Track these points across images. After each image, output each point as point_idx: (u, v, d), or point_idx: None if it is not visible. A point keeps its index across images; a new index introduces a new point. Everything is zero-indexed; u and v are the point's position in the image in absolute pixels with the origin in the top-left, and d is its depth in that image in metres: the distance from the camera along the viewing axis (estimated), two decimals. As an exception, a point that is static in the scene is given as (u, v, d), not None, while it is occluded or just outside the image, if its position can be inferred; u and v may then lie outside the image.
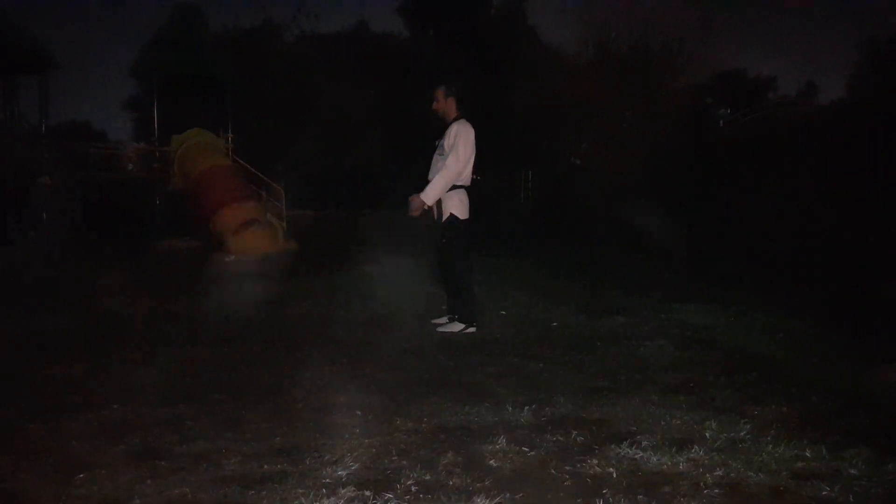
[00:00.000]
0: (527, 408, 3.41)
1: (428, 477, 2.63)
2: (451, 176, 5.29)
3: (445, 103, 5.47)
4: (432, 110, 5.53)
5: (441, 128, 5.52)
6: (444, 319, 5.63)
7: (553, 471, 2.69)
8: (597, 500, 2.44)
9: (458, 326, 5.42)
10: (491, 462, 2.77)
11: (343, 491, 2.50)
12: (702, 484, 2.56)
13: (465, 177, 5.41)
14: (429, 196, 5.32)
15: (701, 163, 15.89)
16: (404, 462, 2.76)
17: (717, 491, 2.51)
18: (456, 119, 5.43)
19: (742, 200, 12.57)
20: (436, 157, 5.50)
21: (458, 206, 5.40)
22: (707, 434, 3.05)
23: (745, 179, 13.40)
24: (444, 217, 5.40)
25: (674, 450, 2.84)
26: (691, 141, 17.55)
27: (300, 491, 2.51)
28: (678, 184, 15.20)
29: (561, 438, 3.02)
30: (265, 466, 2.73)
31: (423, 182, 5.49)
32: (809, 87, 31.63)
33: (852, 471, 2.67)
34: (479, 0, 28.49)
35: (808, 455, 2.81)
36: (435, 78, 5.99)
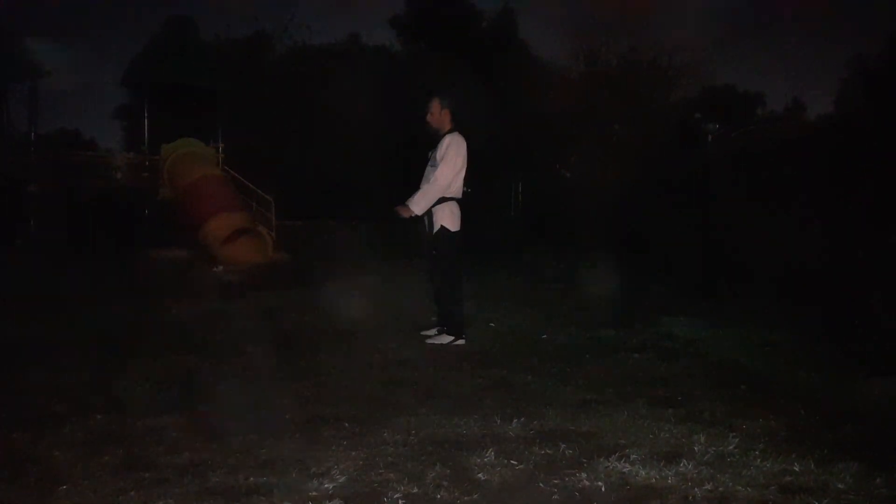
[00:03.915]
0: (515, 420, 3.40)
1: (415, 490, 2.61)
2: (438, 187, 5.30)
3: (440, 115, 5.47)
4: (426, 122, 5.52)
5: (434, 139, 5.53)
6: (433, 331, 5.61)
7: (541, 484, 2.67)
8: (585, 514, 2.43)
9: (446, 339, 5.41)
10: (479, 475, 2.75)
11: (329, 504, 2.48)
12: (690, 498, 2.55)
13: (456, 189, 5.41)
14: (415, 204, 5.33)
15: (689, 176, 15.97)
16: (391, 475, 2.74)
17: (705, 505, 2.50)
18: (449, 131, 5.44)
19: (730, 214, 12.64)
20: (428, 168, 5.50)
21: (448, 218, 5.40)
22: (695, 447, 3.04)
23: (733, 194, 13.47)
24: (435, 229, 5.40)
25: (662, 463, 2.83)
26: (679, 155, 17.65)
27: (286, 504, 2.49)
28: (666, 197, 15.27)
29: (549, 451, 3.00)
30: (251, 479, 2.70)
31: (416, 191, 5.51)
32: (797, 104, 31.94)
33: (840, 485, 2.67)
34: (470, 13, 28.63)
35: (796, 469, 2.81)
36: (429, 89, 6.00)
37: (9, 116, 17.37)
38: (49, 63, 16.66)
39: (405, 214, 5.34)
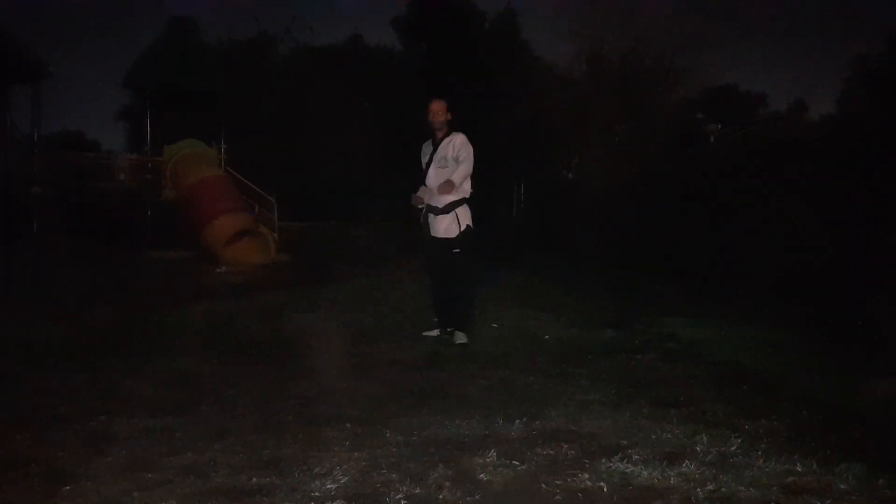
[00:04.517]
0: (517, 421, 3.40)
1: (418, 490, 2.61)
2: (465, 176, 5.35)
3: (445, 116, 5.48)
4: (431, 120, 5.48)
5: (433, 140, 5.52)
6: (434, 332, 5.61)
7: (544, 485, 2.68)
8: (587, 515, 2.43)
9: (464, 337, 5.40)
10: (481, 476, 2.75)
11: (332, 504, 2.48)
12: (693, 498, 2.54)
13: (467, 188, 5.46)
14: (458, 178, 5.31)
15: (691, 176, 15.96)
16: (394, 475, 2.74)
17: (707, 505, 2.50)
18: (454, 132, 5.45)
19: (732, 214, 12.63)
20: (435, 169, 5.47)
21: (470, 217, 5.48)
22: (698, 448, 3.04)
23: (735, 193, 13.46)
24: (461, 228, 5.42)
25: (664, 464, 2.83)
26: (682, 155, 17.63)
27: (288, 504, 2.49)
28: (669, 197, 15.26)
29: (552, 452, 3.00)
30: (253, 479, 2.71)
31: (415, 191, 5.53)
32: (799, 104, 31.91)
33: (843, 486, 2.67)
34: (472, 14, 28.63)
35: (798, 469, 2.80)
36: (437, 91, 6.00)
37: (12, 118, 17.40)
38: (52, 64, 16.69)
39: (448, 190, 5.30)
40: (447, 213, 5.45)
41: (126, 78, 18.38)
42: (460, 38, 26.26)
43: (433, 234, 5.55)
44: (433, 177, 5.50)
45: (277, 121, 23.94)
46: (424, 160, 5.60)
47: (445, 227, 5.48)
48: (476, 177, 5.54)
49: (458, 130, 5.49)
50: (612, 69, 22.44)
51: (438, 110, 5.48)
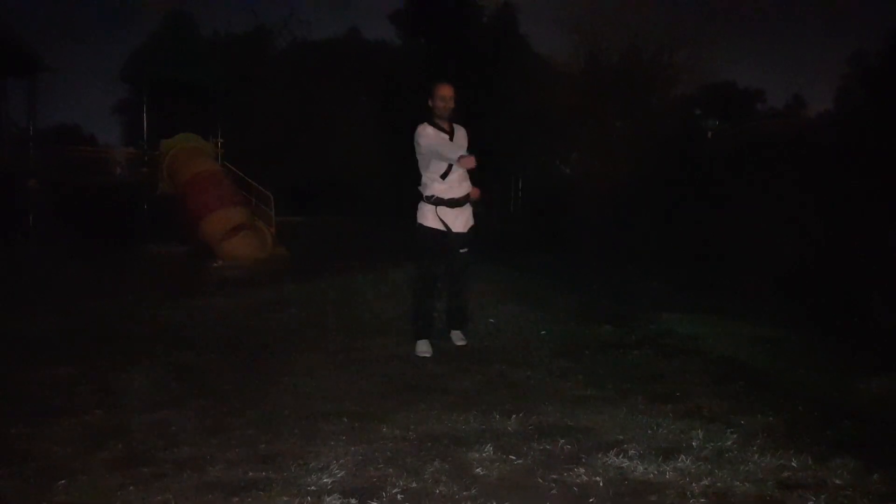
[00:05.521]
0: (514, 416, 3.40)
1: (414, 485, 2.61)
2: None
3: (454, 104, 5.14)
4: (444, 106, 5.08)
5: (440, 129, 5.28)
6: (427, 350, 5.31)
7: (540, 479, 2.68)
8: (583, 509, 2.43)
9: (464, 337, 5.26)
10: (477, 470, 2.76)
11: (328, 499, 2.48)
12: (688, 493, 2.55)
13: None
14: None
15: (689, 173, 15.98)
16: (390, 470, 2.75)
17: (703, 500, 2.51)
18: (455, 124, 5.25)
19: (730, 210, 12.63)
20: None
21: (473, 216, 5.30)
22: (693, 443, 3.05)
23: (733, 190, 13.47)
24: (472, 226, 5.17)
25: (660, 459, 2.84)
26: (680, 151, 17.64)
27: (284, 498, 2.49)
28: (666, 193, 15.27)
29: (548, 447, 3.01)
30: (250, 473, 2.71)
31: (416, 188, 5.42)
32: (797, 100, 31.97)
33: (838, 481, 2.68)
34: (470, 9, 28.62)
35: (794, 465, 2.81)
36: (449, 78, 5.78)
37: (8, 112, 17.38)
38: (48, 58, 16.67)
39: (471, 163, 4.80)
40: (470, 204, 5.14)
41: (123, 72, 18.36)
42: (458, 33, 26.24)
43: (453, 228, 5.03)
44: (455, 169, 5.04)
45: (275, 115, 23.93)
46: (442, 149, 4.97)
47: (466, 221, 5.11)
48: (473, 172, 5.38)
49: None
50: (611, 65, 22.44)
51: (451, 96, 5.07)
